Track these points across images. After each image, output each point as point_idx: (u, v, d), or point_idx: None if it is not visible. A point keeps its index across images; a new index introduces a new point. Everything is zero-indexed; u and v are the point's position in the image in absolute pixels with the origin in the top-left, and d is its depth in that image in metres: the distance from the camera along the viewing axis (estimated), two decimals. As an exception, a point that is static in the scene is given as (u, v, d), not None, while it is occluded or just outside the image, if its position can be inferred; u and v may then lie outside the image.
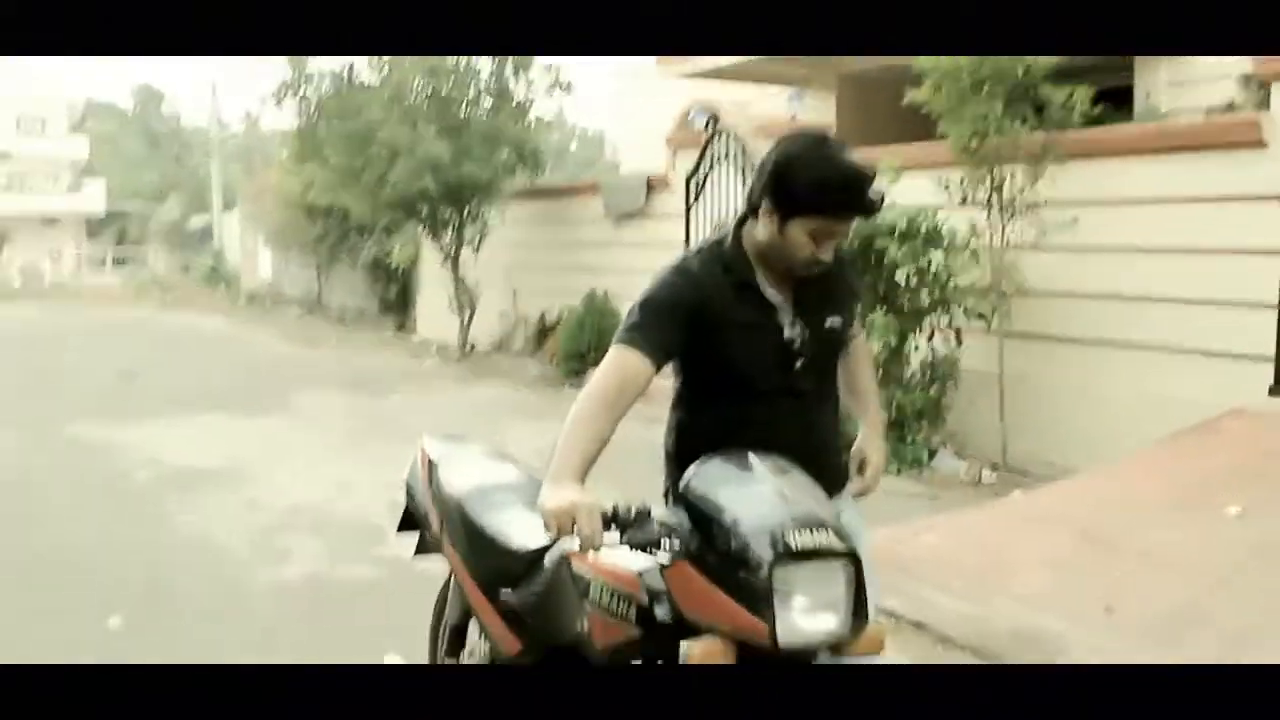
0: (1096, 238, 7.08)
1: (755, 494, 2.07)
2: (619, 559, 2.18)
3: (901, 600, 4.75)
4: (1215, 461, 5.74)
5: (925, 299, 7.51)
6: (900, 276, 7.46)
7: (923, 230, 7.29)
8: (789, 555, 1.94)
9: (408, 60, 12.73)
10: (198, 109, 67.77)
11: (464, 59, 13.03)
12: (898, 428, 7.51)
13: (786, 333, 2.47)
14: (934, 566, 5.05)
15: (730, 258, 2.48)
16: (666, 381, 2.60)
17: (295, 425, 9.44)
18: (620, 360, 2.37)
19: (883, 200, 2.39)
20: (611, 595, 2.18)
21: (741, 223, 2.50)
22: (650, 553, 2.09)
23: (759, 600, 1.93)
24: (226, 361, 14.20)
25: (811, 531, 1.98)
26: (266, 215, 23.30)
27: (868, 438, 2.71)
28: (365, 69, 13.55)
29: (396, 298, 18.53)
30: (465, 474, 2.95)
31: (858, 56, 10.00)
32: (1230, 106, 8.44)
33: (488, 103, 13.47)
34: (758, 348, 2.46)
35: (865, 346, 2.90)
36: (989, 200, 7.19)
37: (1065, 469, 6.69)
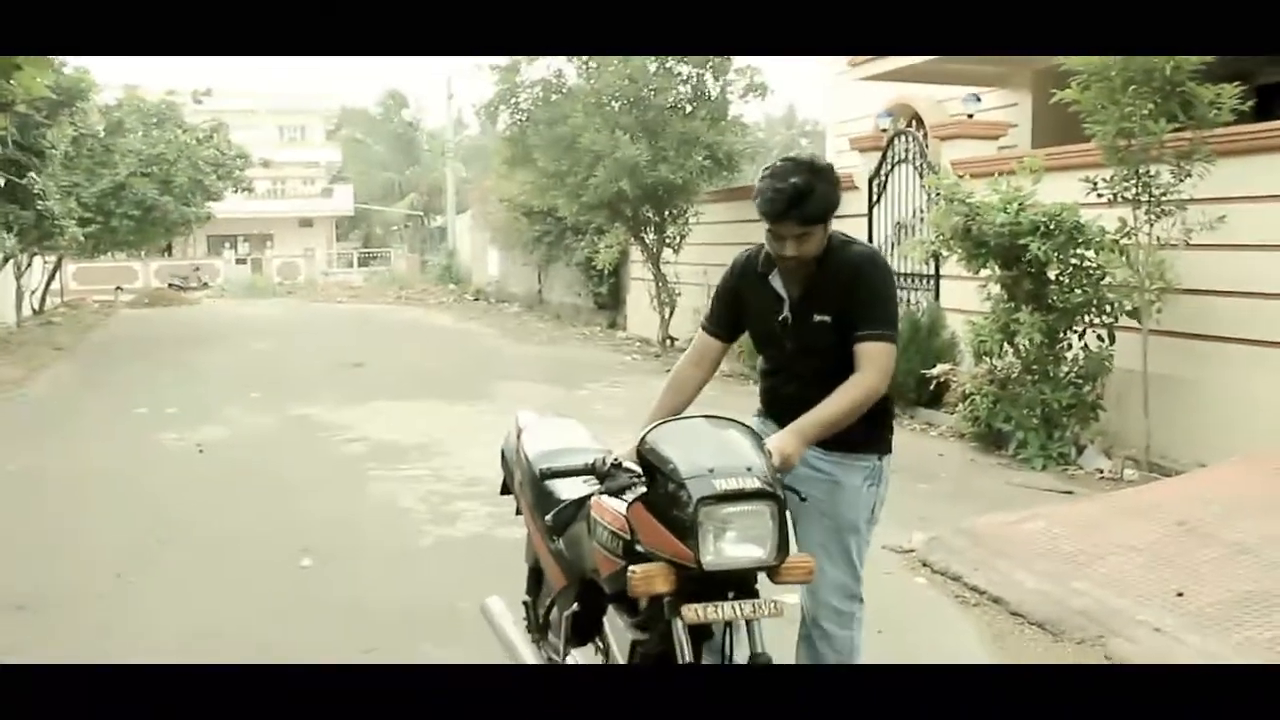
0: (1247, 235, 7.14)
1: (692, 449, 2.67)
2: (616, 505, 2.80)
3: (988, 577, 5.22)
4: (1339, 460, 5.83)
5: (1078, 296, 7.74)
6: (1051, 273, 7.75)
7: (1065, 228, 7.53)
8: (713, 497, 2.52)
9: (612, 65, 13.63)
10: (438, 112, 71.95)
11: (664, 63, 13.80)
12: (1046, 424, 7.80)
13: (778, 316, 3.23)
14: (1028, 550, 5.46)
15: (761, 256, 3.28)
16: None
17: (491, 410, 10.46)
18: (697, 340, 3.46)
19: (822, 209, 3.02)
20: (609, 534, 2.80)
21: None
22: (621, 497, 2.75)
23: (687, 532, 2.51)
24: (445, 353, 15.62)
25: (737, 479, 2.55)
26: (492, 216, 24.93)
27: (785, 434, 3.00)
28: (573, 75, 14.60)
29: (608, 295, 19.54)
30: (540, 440, 3.53)
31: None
32: None
33: (686, 108, 14.22)
34: (763, 326, 3.31)
35: (872, 358, 3.09)
36: (1136, 197, 7.36)
37: (1200, 469, 6.80)
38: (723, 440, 2.75)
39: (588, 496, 3.06)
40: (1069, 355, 7.97)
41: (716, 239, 15.30)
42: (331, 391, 11.46)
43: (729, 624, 2.66)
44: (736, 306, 3.36)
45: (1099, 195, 7.53)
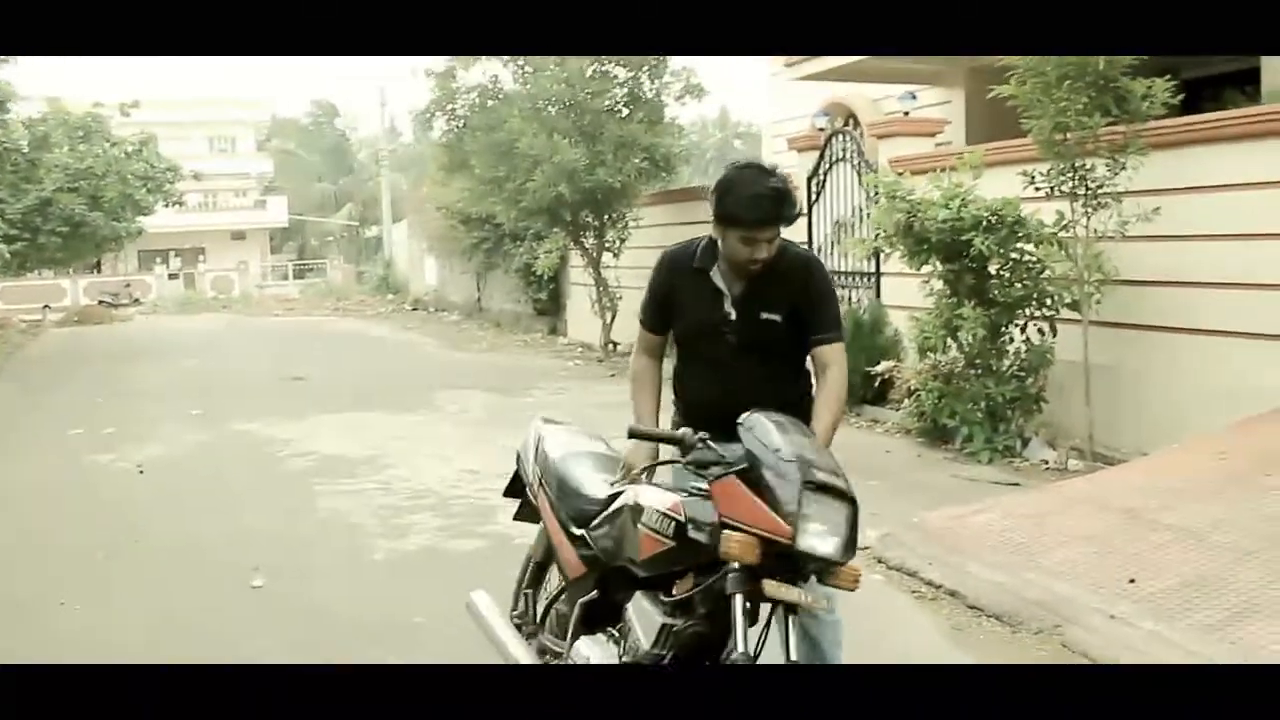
0: (1184, 226, 7.28)
1: (792, 438, 2.79)
2: (666, 495, 2.98)
3: (943, 571, 5.26)
4: (1276, 444, 5.95)
5: (1018, 290, 7.83)
6: (992, 268, 7.84)
7: (1007, 222, 7.62)
8: (815, 486, 2.65)
9: (548, 69, 13.57)
10: (371, 121, 71.35)
11: (600, 66, 13.78)
12: (991, 418, 7.88)
13: (723, 311, 3.30)
14: (980, 543, 5.50)
15: (700, 251, 3.33)
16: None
17: (436, 421, 10.43)
18: (641, 336, 3.55)
19: (798, 212, 3.03)
20: (659, 517, 2.91)
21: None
22: (703, 470, 2.81)
23: (789, 511, 2.63)
24: (387, 364, 15.48)
25: (833, 475, 2.70)
26: (429, 224, 24.77)
27: None
28: (509, 81, 14.51)
29: (548, 302, 19.48)
30: (562, 443, 3.69)
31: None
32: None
33: (623, 111, 14.20)
34: (700, 323, 3.34)
35: (840, 375, 3.31)
36: (1073, 191, 7.47)
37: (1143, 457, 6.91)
38: (813, 442, 2.89)
39: (617, 494, 3.22)
40: (1011, 349, 8.06)
41: (656, 242, 15.25)
42: (273, 406, 11.27)
43: (773, 614, 2.81)
44: (669, 303, 3.42)
45: (1036, 189, 7.63)
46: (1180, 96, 7.18)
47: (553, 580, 3.79)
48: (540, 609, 3.75)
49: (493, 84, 14.56)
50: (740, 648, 2.64)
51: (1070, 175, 7.46)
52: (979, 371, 8.06)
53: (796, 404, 3.27)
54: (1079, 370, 7.65)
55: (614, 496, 3.23)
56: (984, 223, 7.67)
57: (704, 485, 2.88)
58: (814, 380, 3.40)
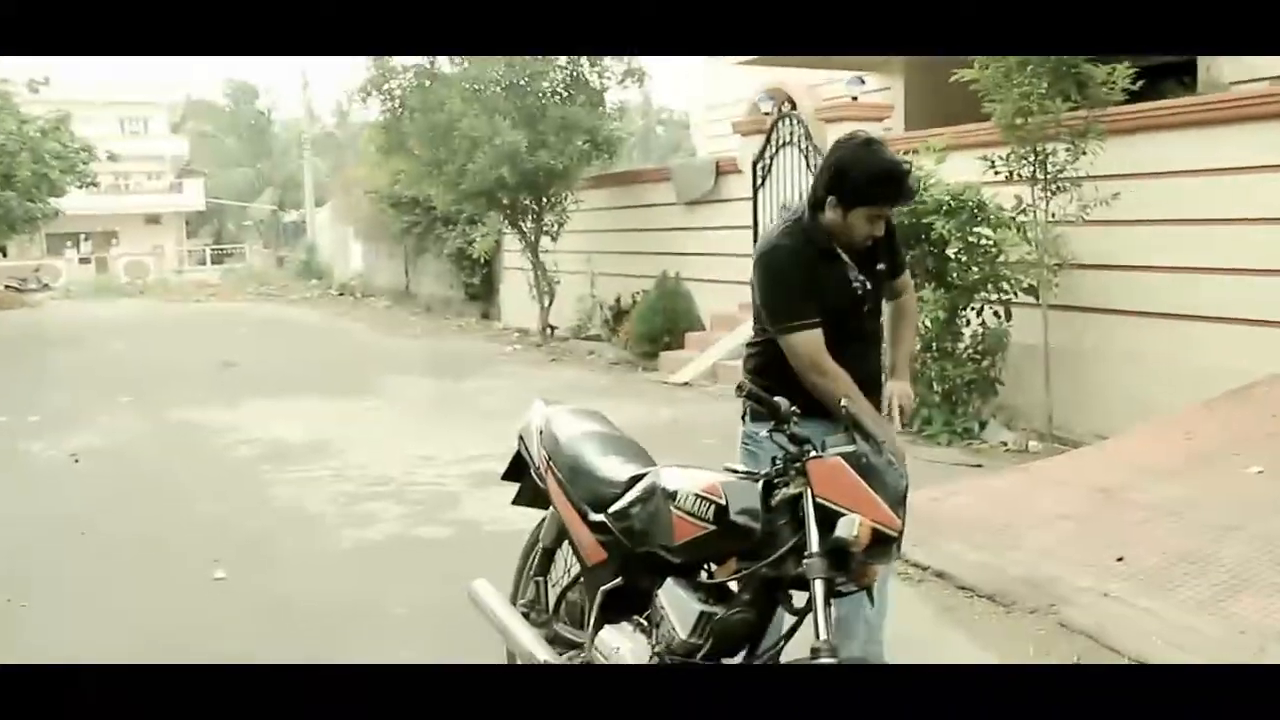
0: (1140, 210, 7.37)
1: (888, 434, 2.92)
2: (699, 475, 2.89)
3: (928, 553, 5.20)
4: (1244, 425, 6.03)
5: (976, 273, 7.86)
6: (951, 252, 7.84)
7: (969, 206, 7.63)
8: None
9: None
10: (291, 103, 69.80)
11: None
12: (948, 400, 7.90)
13: (855, 285, 3.26)
14: (960, 524, 5.48)
15: (812, 232, 3.24)
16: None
17: (381, 406, 10.17)
18: (814, 340, 3.21)
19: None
20: (696, 500, 2.80)
21: (812, 207, 3.23)
22: (801, 448, 2.69)
23: (899, 503, 2.62)
24: (317, 350, 15.09)
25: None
26: (356, 208, 24.26)
27: (899, 385, 3.37)
28: (446, 62, 14.23)
29: (481, 286, 19.21)
30: (573, 425, 3.55)
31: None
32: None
33: (565, 93, 14.01)
34: (841, 303, 3.25)
35: (913, 298, 3.60)
36: (1033, 175, 7.51)
37: (1109, 438, 6.98)
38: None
39: (640, 475, 3.10)
40: (967, 332, 8.09)
41: (596, 226, 15.18)
42: (207, 393, 10.89)
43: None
44: (813, 289, 3.23)
45: (996, 173, 7.65)
46: (1141, 83, 7.23)
47: (560, 567, 3.67)
48: (553, 597, 3.60)
49: (430, 64, 14.25)
50: (824, 635, 2.53)
51: (1030, 159, 7.49)
52: (936, 355, 8.07)
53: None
54: (1036, 354, 7.70)
55: (635, 479, 3.12)
56: (945, 206, 7.67)
57: (739, 468, 2.83)
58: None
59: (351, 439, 8.46)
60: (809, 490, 2.62)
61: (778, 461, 2.74)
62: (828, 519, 2.57)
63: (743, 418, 3.40)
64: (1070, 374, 7.71)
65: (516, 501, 3.88)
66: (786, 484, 2.70)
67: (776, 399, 2.78)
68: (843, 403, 2.91)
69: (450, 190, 14.35)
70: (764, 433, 2.90)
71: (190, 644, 4.38)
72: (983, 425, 7.92)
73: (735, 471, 2.84)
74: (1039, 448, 7.47)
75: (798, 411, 2.78)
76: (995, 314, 8.00)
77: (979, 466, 7.06)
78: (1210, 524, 5.00)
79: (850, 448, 2.69)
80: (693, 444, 7.30)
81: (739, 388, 3.14)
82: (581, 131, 13.64)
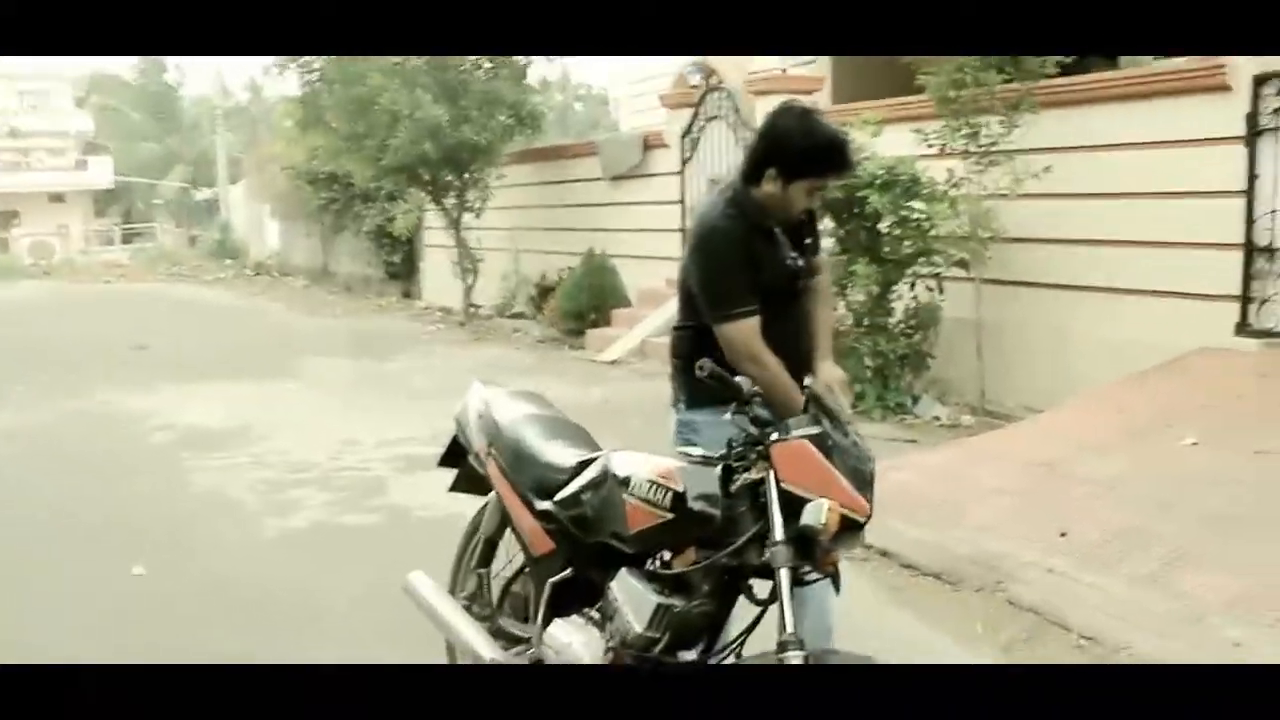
0: (1072, 184, 7.38)
1: (847, 415, 2.78)
2: (653, 461, 2.79)
3: (871, 532, 5.12)
4: (1175, 397, 6.07)
5: (908, 248, 7.82)
6: (883, 226, 7.79)
7: (902, 180, 7.59)
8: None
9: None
10: (202, 78, 68.03)
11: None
12: (881, 375, 7.86)
13: (789, 263, 3.16)
14: (901, 501, 5.40)
15: (747, 207, 3.11)
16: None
17: (301, 389, 9.86)
18: (748, 329, 3.04)
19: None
20: (651, 486, 2.70)
21: (747, 180, 3.10)
22: (766, 429, 2.59)
23: (866, 485, 2.54)
24: (233, 331, 14.60)
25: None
26: (271, 185, 23.66)
27: (827, 366, 3.21)
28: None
29: (402, 264, 18.88)
30: (514, 407, 3.42)
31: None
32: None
33: (487, 65, 13.72)
34: (775, 277, 3.12)
35: (829, 277, 3.55)
36: (966, 149, 7.50)
37: (1041, 412, 6.99)
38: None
39: (589, 460, 2.99)
40: (899, 306, 8.06)
41: (520, 202, 14.96)
42: (119, 376, 10.44)
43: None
44: (752, 273, 3.09)
45: (929, 146, 7.63)
46: (1073, 57, 7.21)
47: (502, 557, 3.51)
48: (496, 590, 3.44)
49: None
50: (790, 628, 2.43)
51: (963, 133, 7.46)
52: (868, 329, 8.02)
53: None
54: (968, 328, 7.71)
55: (584, 464, 3.00)
56: (878, 180, 7.61)
57: (695, 452, 2.73)
58: None
59: (272, 423, 8.18)
60: (772, 474, 2.53)
61: (735, 445, 2.64)
62: (792, 505, 2.48)
63: (674, 404, 3.26)
64: (1001, 348, 7.72)
65: (454, 488, 3.74)
66: (747, 468, 2.61)
67: (738, 379, 2.67)
68: (806, 381, 2.83)
69: (370, 166, 14.03)
70: (717, 417, 2.78)
71: (111, 642, 4.14)
72: (915, 400, 7.91)
73: (690, 456, 2.73)
74: (971, 422, 7.49)
75: (760, 393, 2.67)
76: (928, 288, 7.98)
77: (914, 442, 7.03)
78: (1148, 497, 5.00)
79: (815, 429, 2.59)
80: (625, 424, 7.17)
81: (682, 370, 3.10)
82: (505, 106, 13.42)
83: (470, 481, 3.60)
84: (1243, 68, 6.59)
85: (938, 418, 7.68)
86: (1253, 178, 6.54)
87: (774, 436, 2.57)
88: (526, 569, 3.25)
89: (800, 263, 3.19)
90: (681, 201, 11.55)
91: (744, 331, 3.04)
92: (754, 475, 2.58)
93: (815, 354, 3.25)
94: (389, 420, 8.11)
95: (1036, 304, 7.72)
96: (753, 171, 3.07)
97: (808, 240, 3.26)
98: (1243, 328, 6.59)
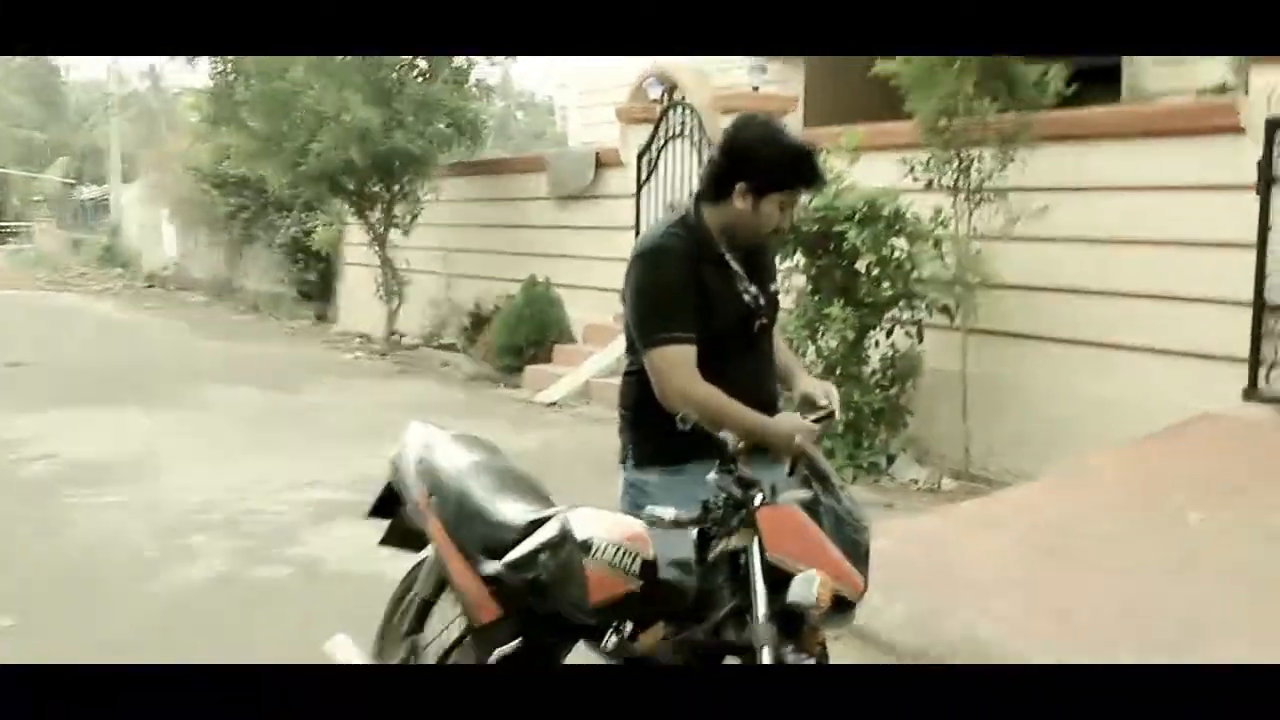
0: (1068, 227, 7.50)
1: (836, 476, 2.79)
2: (619, 521, 2.76)
3: (847, 606, 5.11)
4: (1179, 466, 6.14)
5: (888, 290, 7.88)
6: (861, 265, 7.83)
7: (885, 214, 7.65)
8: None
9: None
10: (93, 60, 67.08)
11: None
12: (854, 431, 7.86)
13: (747, 298, 3.10)
14: (879, 573, 5.36)
15: (700, 235, 3.07)
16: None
17: (204, 420, 9.70)
18: (682, 357, 2.97)
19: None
20: (617, 551, 2.65)
21: (708, 198, 3.07)
22: (749, 493, 2.57)
23: (861, 558, 2.60)
24: (125, 350, 14.41)
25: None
26: (172, 186, 23.39)
27: (810, 381, 3.25)
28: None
29: (317, 283, 18.79)
30: (459, 454, 3.37)
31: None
32: (1222, 88, 8.87)
33: (424, 66, 13.70)
34: (729, 312, 3.07)
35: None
36: (955, 184, 7.59)
37: (1030, 477, 7.03)
38: None
39: (544, 518, 2.95)
40: (876, 355, 8.10)
41: (455, 220, 14.88)
42: (-11, 397, 10.23)
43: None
44: (697, 301, 3.01)
45: (915, 179, 7.71)
46: (1074, 87, 7.35)
47: (437, 623, 3.45)
48: (432, 659, 3.37)
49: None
50: None
51: (954, 166, 7.56)
52: (841, 379, 8.03)
53: None
54: (951, 381, 7.76)
55: (537, 522, 2.96)
56: (858, 214, 7.65)
57: (662, 512, 2.63)
58: None
59: (169, 457, 8.07)
60: (756, 542, 2.52)
61: (715, 507, 2.61)
62: (778, 577, 2.48)
63: (623, 461, 3.21)
64: (987, 405, 7.78)
65: (386, 541, 3.71)
66: (728, 534, 2.59)
67: (723, 434, 2.64)
68: (797, 439, 2.83)
69: (288, 171, 13.99)
70: (671, 478, 2.88)
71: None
72: (891, 460, 7.94)
73: (661, 518, 2.67)
74: (953, 486, 7.53)
75: (744, 449, 2.66)
76: (907, 335, 8.03)
77: (889, 506, 7.04)
78: (1156, 569, 5.03)
79: (805, 493, 2.61)
80: (568, 475, 7.10)
81: (631, 423, 3.09)
82: (443, 112, 13.40)
83: (404, 536, 3.56)
84: (1256, 106, 6.73)
85: (916, 480, 7.73)
86: (1265, 229, 6.66)
87: (759, 500, 2.55)
88: (467, 638, 3.19)
89: (760, 299, 3.13)
90: (636, 227, 11.53)
91: (671, 359, 2.95)
92: (735, 543, 2.57)
93: (788, 377, 3.27)
94: (300, 461, 8.03)
95: (1026, 357, 7.81)
96: (716, 188, 3.04)
97: (768, 275, 3.25)
98: (1251, 393, 6.69)
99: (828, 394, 3.11)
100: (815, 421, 3.00)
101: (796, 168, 3.02)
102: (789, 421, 2.98)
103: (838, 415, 3.09)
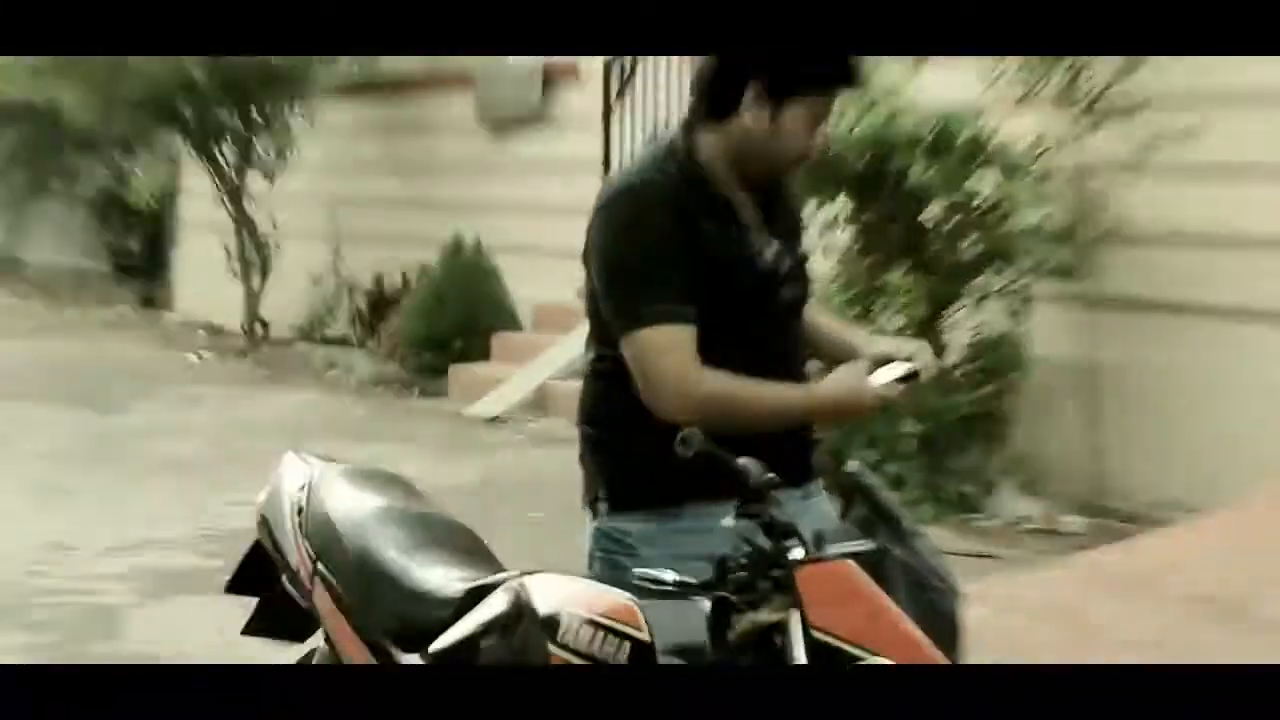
0: (1228, 153, 7.43)
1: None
2: (591, 590, 2.76)
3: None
4: None
5: (971, 248, 7.90)
6: (931, 214, 7.85)
7: (962, 141, 7.66)
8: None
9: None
10: None
11: None
12: (930, 449, 7.82)
13: (765, 259, 3.02)
14: (980, 657, 5.32)
15: (694, 172, 3.00)
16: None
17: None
18: (682, 339, 2.88)
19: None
20: (595, 632, 2.63)
21: (694, 124, 3.02)
22: (784, 544, 2.54)
23: (948, 637, 2.66)
24: None
25: None
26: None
27: (883, 340, 3.37)
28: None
29: (142, 254, 19.04)
30: (358, 497, 3.47)
31: None
32: None
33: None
34: (739, 280, 2.99)
35: None
36: (1062, 95, 7.59)
37: (1194, 510, 7.05)
38: None
39: (487, 586, 2.98)
40: (960, 340, 8.14)
41: (345, 160, 14.88)
42: None
43: None
44: (694, 262, 2.94)
45: (1004, 91, 7.72)
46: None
47: None
48: None
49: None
50: None
51: (1060, 70, 7.54)
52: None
53: None
54: (1071, 375, 7.79)
55: (477, 592, 2.99)
56: (923, 142, 7.68)
57: (658, 574, 2.62)
58: None
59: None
60: (797, 616, 2.51)
61: (736, 566, 2.59)
62: (830, 663, 2.50)
63: (590, 502, 3.14)
64: (1126, 407, 7.82)
65: (252, 629, 3.86)
66: (755, 605, 2.57)
67: (742, 461, 2.58)
68: (852, 465, 2.87)
69: (96, 94, 14.08)
70: (663, 526, 2.92)
71: None
72: (989, 490, 7.93)
73: (658, 582, 2.64)
74: (1081, 526, 7.58)
75: (777, 480, 2.59)
76: (1009, 310, 8.03)
77: (991, 557, 7.05)
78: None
79: (865, 544, 2.64)
80: (519, 524, 7.24)
81: (600, 445, 3.07)
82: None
83: (278, 619, 3.71)
84: None
85: (1027, 518, 7.75)
86: None
87: (799, 554, 2.54)
88: None
89: (784, 260, 3.08)
90: (605, 163, 11.57)
91: (661, 345, 2.88)
92: (767, 616, 2.55)
93: (847, 351, 3.17)
94: (123, 513, 8.08)
95: (1179, 337, 7.81)
96: (716, 99, 2.96)
97: (800, 239, 3.26)
98: None
99: (912, 352, 3.03)
100: (898, 381, 2.94)
101: (828, 61, 2.97)
102: (851, 375, 2.94)
103: (929, 368, 3.04)
